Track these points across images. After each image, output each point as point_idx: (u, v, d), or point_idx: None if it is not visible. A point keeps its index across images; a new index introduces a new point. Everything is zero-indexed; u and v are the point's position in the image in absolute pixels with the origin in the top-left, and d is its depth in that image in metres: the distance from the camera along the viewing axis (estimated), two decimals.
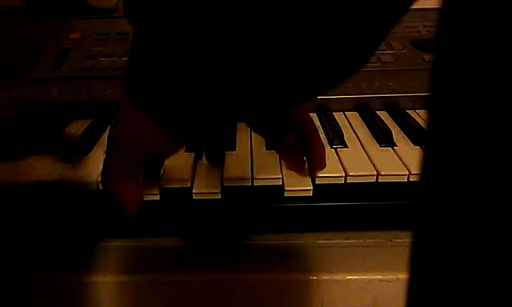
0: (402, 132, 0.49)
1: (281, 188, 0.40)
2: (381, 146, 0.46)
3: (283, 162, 0.42)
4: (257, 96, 0.25)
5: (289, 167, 0.41)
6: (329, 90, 0.26)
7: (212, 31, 0.23)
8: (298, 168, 0.41)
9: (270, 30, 0.22)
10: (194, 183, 0.40)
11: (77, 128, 0.51)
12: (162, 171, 0.40)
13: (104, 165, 0.33)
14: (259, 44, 0.22)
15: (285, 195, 0.39)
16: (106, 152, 0.33)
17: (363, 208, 0.39)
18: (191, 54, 0.24)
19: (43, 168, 0.41)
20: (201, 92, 0.25)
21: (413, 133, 0.48)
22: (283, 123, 0.38)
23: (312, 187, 0.39)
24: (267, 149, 0.45)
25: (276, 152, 0.42)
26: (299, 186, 0.39)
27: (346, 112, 0.55)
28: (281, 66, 0.24)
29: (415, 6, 0.23)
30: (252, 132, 0.49)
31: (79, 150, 0.44)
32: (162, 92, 0.27)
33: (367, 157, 0.43)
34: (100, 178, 0.36)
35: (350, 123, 0.52)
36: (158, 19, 0.24)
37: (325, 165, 0.39)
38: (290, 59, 0.23)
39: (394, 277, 0.38)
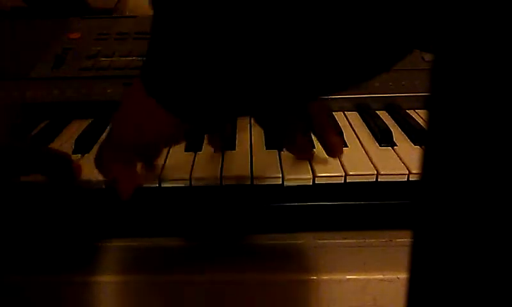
0: (402, 132, 0.49)
1: (281, 187, 0.40)
2: (381, 146, 0.46)
3: (283, 158, 0.42)
4: (264, 89, 0.26)
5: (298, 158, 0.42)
6: (333, 93, 0.27)
7: (224, 28, 0.23)
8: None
9: (277, 31, 0.22)
10: (193, 182, 0.40)
11: (77, 128, 0.52)
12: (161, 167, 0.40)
13: (102, 147, 0.34)
14: (264, 42, 0.23)
15: (284, 184, 0.40)
16: (108, 135, 0.33)
17: (362, 208, 0.39)
18: (203, 47, 0.24)
19: None
20: (212, 85, 0.26)
21: (413, 133, 0.48)
22: (292, 121, 0.39)
23: (312, 176, 0.40)
24: (267, 148, 0.45)
25: (286, 149, 0.43)
26: (299, 175, 0.40)
27: (346, 112, 0.55)
28: (287, 65, 0.24)
29: None
30: (252, 132, 0.49)
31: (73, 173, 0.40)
32: (177, 81, 0.27)
33: (367, 156, 0.43)
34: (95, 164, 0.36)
35: (350, 123, 0.52)
36: (176, 10, 0.25)
37: (341, 153, 0.41)
38: (294, 60, 0.23)
39: (394, 277, 0.38)
